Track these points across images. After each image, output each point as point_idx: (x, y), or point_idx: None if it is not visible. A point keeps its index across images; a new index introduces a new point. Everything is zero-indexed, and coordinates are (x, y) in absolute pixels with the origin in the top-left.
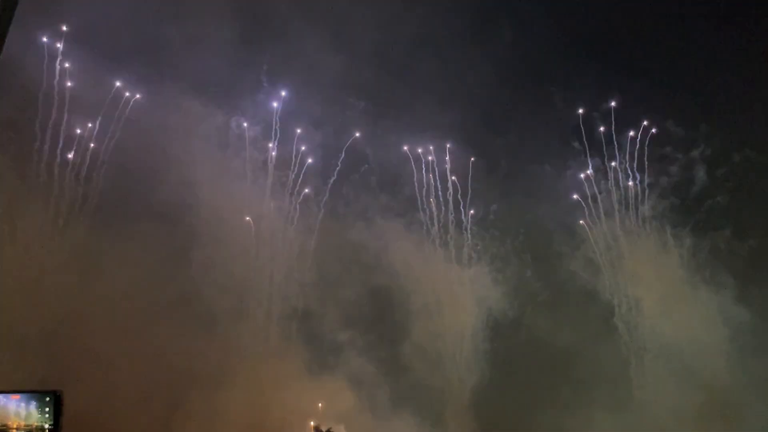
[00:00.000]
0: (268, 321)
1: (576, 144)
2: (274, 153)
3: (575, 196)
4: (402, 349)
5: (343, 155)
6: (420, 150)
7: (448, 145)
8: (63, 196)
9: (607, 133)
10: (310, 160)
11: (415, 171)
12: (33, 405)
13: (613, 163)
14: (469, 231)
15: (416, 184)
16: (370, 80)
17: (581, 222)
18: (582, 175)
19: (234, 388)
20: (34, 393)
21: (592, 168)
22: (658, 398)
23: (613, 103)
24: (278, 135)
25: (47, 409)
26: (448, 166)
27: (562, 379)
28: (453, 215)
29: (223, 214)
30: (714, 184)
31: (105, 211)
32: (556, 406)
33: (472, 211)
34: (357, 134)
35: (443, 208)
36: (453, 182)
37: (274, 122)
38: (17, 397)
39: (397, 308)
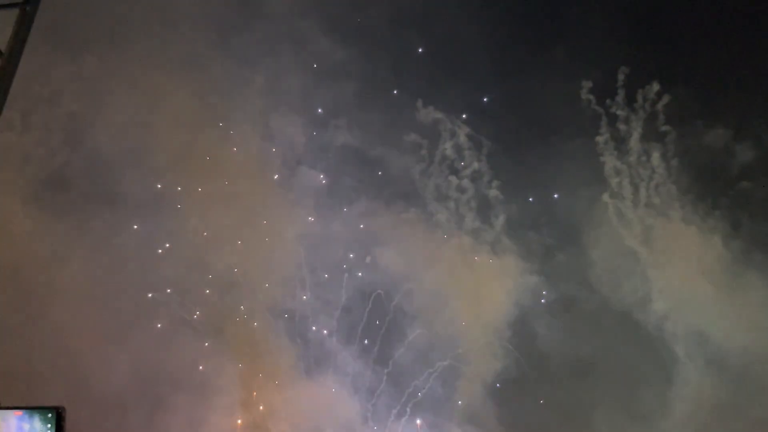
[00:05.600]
0: (259, 320)
1: (589, 112)
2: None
3: (601, 159)
4: (407, 349)
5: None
6: (422, 129)
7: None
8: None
9: (619, 104)
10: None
11: (426, 152)
12: (35, 421)
13: (633, 133)
14: (496, 200)
15: (418, 170)
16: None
17: (605, 199)
18: (599, 148)
19: (220, 393)
20: (36, 409)
21: (609, 141)
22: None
23: (622, 69)
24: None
25: (49, 426)
26: (466, 130)
27: (587, 386)
28: (474, 191)
29: (205, 207)
30: (745, 164)
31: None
32: (581, 417)
33: (496, 183)
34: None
35: (452, 196)
36: (470, 155)
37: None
38: (20, 413)
39: (405, 304)
